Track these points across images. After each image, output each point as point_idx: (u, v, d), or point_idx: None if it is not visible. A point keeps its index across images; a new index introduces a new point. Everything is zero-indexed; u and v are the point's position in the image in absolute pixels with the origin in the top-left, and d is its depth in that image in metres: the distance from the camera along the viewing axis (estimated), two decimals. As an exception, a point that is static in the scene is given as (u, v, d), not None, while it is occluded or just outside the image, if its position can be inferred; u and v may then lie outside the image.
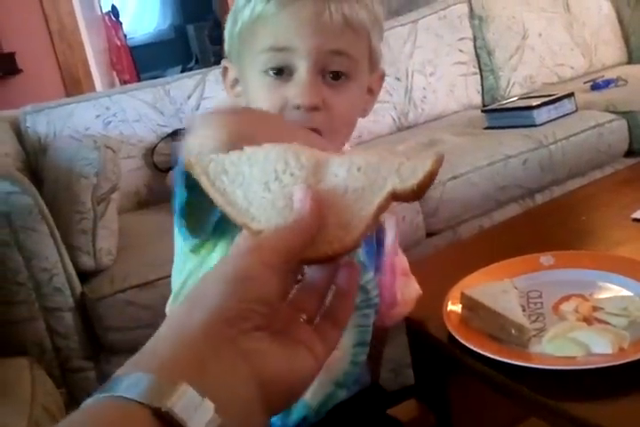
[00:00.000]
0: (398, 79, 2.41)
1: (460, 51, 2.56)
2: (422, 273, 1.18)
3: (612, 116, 2.04)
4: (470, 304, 0.91)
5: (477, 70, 2.60)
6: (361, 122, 2.49)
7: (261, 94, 0.74)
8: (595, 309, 0.88)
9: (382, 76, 0.83)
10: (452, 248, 1.49)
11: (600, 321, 0.85)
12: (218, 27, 5.32)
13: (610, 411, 0.72)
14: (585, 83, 2.44)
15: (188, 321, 0.39)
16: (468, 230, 1.76)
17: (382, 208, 0.47)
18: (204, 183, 0.49)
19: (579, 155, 1.94)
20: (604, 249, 1.12)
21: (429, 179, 0.46)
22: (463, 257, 1.20)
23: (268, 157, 0.48)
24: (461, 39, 2.57)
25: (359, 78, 0.75)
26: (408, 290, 0.90)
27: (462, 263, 1.10)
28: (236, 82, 0.81)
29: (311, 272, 0.48)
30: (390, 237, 0.84)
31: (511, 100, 2.28)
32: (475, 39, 2.61)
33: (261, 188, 0.48)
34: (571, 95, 2.11)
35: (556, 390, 0.77)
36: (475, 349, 0.84)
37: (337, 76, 0.73)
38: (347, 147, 0.86)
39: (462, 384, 1.03)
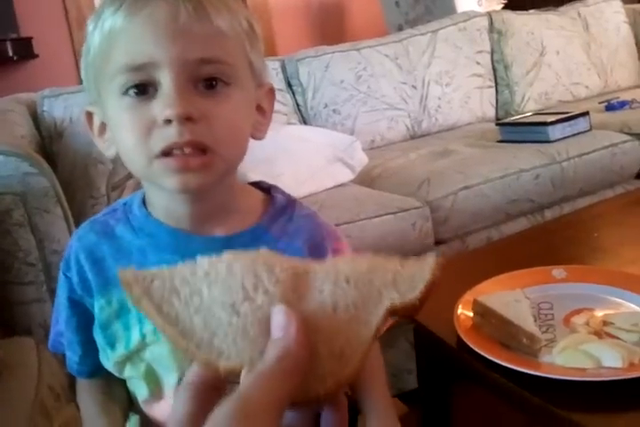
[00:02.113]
0: (414, 87, 2.42)
1: (478, 63, 2.57)
2: (432, 279, 1.19)
3: (627, 138, 2.05)
4: (482, 311, 0.91)
5: (493, 84, 2.61)
6: (374, 128, 2.48)
7: (124, 119, 0.62)
8: (605, 323, 0.89)
9: (271, 91, 0.73)
10: (463, 256, 1.49)
11: (610, 336, 0.86)
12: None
13: (618, 424, 0.73)
14: (600, 103, 2.45)
15: None
16: (476, 241, 1.76)
17: (380, 330, 0.39)
18: (147, 309, 0.38)
19: (591, 173, 1.95)
20: (615, 266, 1.12)
21: (431, 290, 0.39)
22: (475, 266, 1.20)
23: (232, 270, 0.40)
24: (479, 52, 2.58)
25: (241, 85, 0.65)
26: None
27: (474, 272, 1.11)
28: (103, 127, 0.69)
29: (288, 420, 0.37)
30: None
31: (526, 115, 2.29)
32: (492, 53, 2.62)
33: (227, 312, 0.38)
34: (586, 114, 2.11)
35: (563, 400, 0.77)
36: (485, 355, 0.84)
37: (212, 84, 0.62)
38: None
39: (466, 391, 1.04)
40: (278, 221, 0.72)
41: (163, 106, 0.60)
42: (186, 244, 0.68)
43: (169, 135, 0.60)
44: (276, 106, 2.22)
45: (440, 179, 1.79)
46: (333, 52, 2.36)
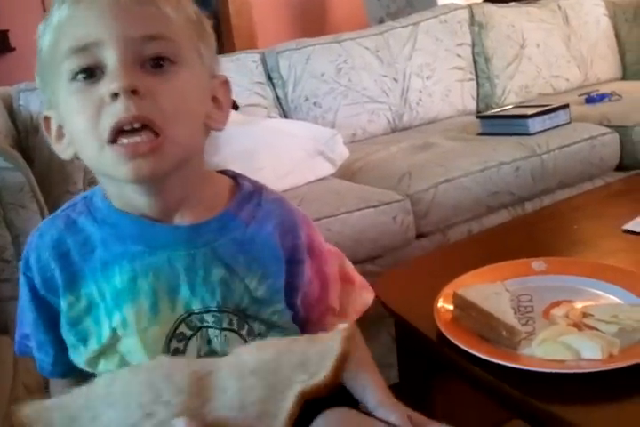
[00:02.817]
0: (395, 80, 2.42)
1: (459, 56, 2.56)
2: (414, 272, 1.19)
3: (606, 130, 2.06)
4: (462, 304, 0.91)
5: (474, 77, 2.61)
6: (355, 121, 2.47)
7: (74, 103, 0.62)
8: (585, 315, 0.89)
9: (226, 83, 0.72)
10: (443, 249, 1.50)
11: (590, 327, 0.86)
12: (214, 18, 5.32)
13: (597, 415, 0.73)
14: (579, 95, 2.46)
15: None
16: (458, 234, 1.76)
17: (293, 416, 0.38)
18: None
19: (570, 165, 1.95)
20: (594, 258, 1.13)
21: (342, 362, 0.39)
22: (453, 259, 1.20)
23: (129, 389, 0.38)
24: (460, 45, 2.58)
25: (188, 65, 0.64)
26: (351, 300, 0.80)
27: (454, 265, 1.11)
28: (60, 131, 0.67)
29: None
30: (315, 242, 0.75)
31: (506, 107, 2.29)
32: (473, 45, 2.62)
33: None
34: (566, 106, 2.12)
35: (544, 393, 0.77)
36: (464, 348, 0.84)
37: (158, 63, 0.62)
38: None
39: (447, 384, 1.04)
40: (246, 206, 0.71)
41: (109, 82, 0.60)
42: (151, 233, 0.67)
43: (116, 111, 0.59)
44: (257, 99, 2.23)
45: (421, 172, 1.79)
46: (314, 45, 2.34)
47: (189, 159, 0.66)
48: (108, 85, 0.59)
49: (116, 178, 0.64)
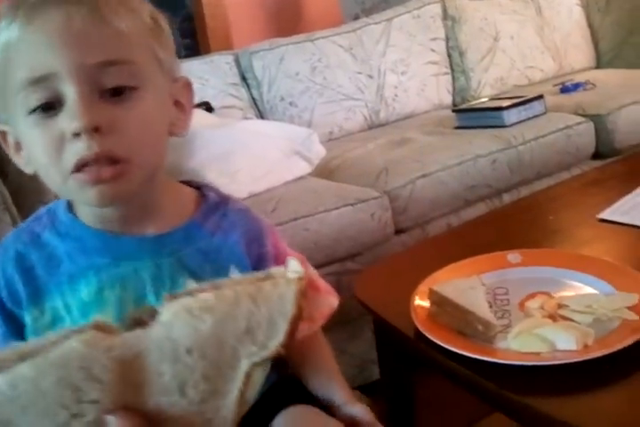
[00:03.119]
0: (370, 77, 2.42)
1: (433, 50, 2.57)
2: (391, 269, 1.19)
3: (581, 119, 2.07)
4: (438, 300, 0.91)
5: (449, 70, 2.61)
6: (332, 119, 2.46)
7: (34, 136, 0.60)
8: (560, 306, 0.89)
9: (188, 85, 0.71)
10: (420, 245, 1.49)
11: (565, 318, 0.86)
12: (189, 19, 5.28)
13: (573, 406, 0.73)
14: (554, 86, 2.47)
15: None
16: (437, 228, 1.76)
17: (245, 393, 0.34)
18: None
19: (547, 156, 1.96)
20: (570, 248, 1.13)
21: (295, 325, 0.34)
22: (431, 254, 1.20)
23: (40, 390, 0.33)
24: (434, 39, 2.58)
25: (151, 85, 0.63)
26: (317, 305, 0.79)
27: (430, 260, 1.11)
28: (18, 145, 0.66)
29: None
30: (281, 250, 0.76)
31: (481, 100, 2.30)
32: (447, 39, 2.62)
33: None
34: (540, 97, 2.13)
35: (520, 386, 0.77)
36: (441, 344, 0.84)
37: (120, 92, 0.60)
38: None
39: (427, 380, 1.04)
40: (212, 216, 0.71)
41: (68, 119, 0.58)
42: (115, 245, 0.67)
43: (78, 150, 0.59)
44: (232, 101, 2.22)
45: (398, 168, 1.79)
46: (287, 45, 2.34)
47: (154, 174, 0.67)
48: (68, 123, 0.58)
49: (81, 202, 0.65)
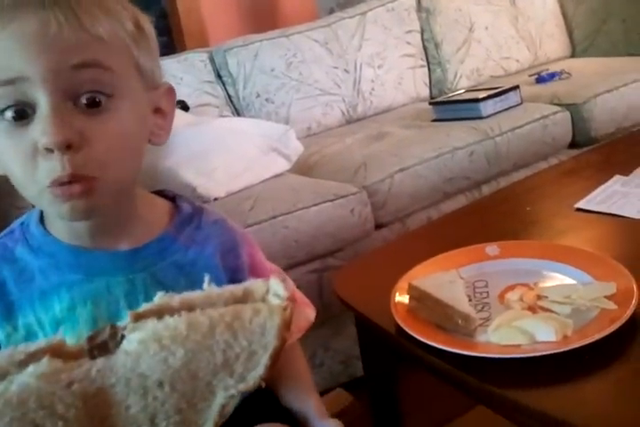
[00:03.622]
0: (347, 71, 2.41)
1: (408, 43, 2.56)
2: (370, 265, 1.18)
3: (557, 109, 2.07)
4: (418, 295, 0.91)
5: (425, 63, 2.61)
6: (310, 114, 2.45)
7: (6, 147, 0.59)
8: (539, 297, 0.89)
9: (170, 91, 0.69)
10: (399, 240, 1.49)
11: (544, 309, 0.86)
12: (164, 17, 5.24)
13: (554, 398, 0.73)
14: (530, 76, 2.48)
15: None
16: (417, 222, 1.76)
17: (219, 424, 0.32)
18: None
19: (524, 146, 1.97)
20: (548, 238, 1.13)
21: (277, 358, 0.32)
22: (410, 249, 1.20)
23: None
24: (409, 32, 2.58)
25: (128, 94, 0.61)
26: (295, 318, 0.81)
27: (410, 255, 1.10)
28: None
29: None
30: (256, 261, 0.75)
31: (458, 92, 2.30)
32: (422, 32, 2.62)
33: None
34: (516, 88, 2.13)
35: (501, 379, 0.77)
36: (422, 339, 0.84)
37: (94, 100, 0.58)
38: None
39: (410, 375, 1.03)
40: (186, 229, 0.70)
41: (40, 132, 0.56)
42: (88, 261, 0.66)
43: (51, 168, 0.57)
44: (207, 98, 2.20)
45: (376, 163, 1.79)
46: (262, 41, 2.32)
47: (128, 187, 0.66)
48: (40, 136, 0.56)
49: (54, 216, 0.64)
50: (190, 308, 0.40)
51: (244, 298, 0.42)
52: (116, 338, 0.40)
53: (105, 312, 0.65)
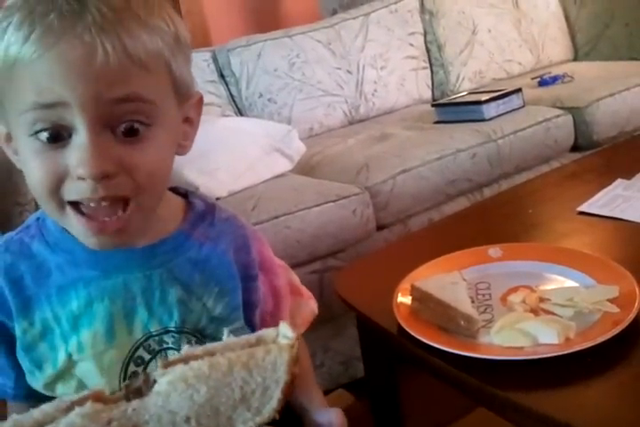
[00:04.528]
0: (349, 72, 2.41)
1: (411, 45, 2.56)
2: (372, 266, 1.18)
3: (559, 112, 2.07)
4: (420, 296, 0.91)
5: (428, 65, 2.61)
6: (312, 115, 2.45)
7: (33, 163, 0.58)
8: (541, 300, 0.89)
9: (199, 101, 0.69)
10: (401, 241, 1.49)
11: (547, 312, 0.86)
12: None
13: (556, 400, 0.73)
14: (532, 79, 2.48)
15: None
16: (418, 223, 1.76)
17: None
18: None
19: (526, 149, 1.97)
20: (550, 241, 1.13)
21: (289, 391, 0.36)
22: (412, 250, 1.20)
23: None
24: (412, 33, 2.58)
25: (165, 121, 0.60)
26: (300, 311, 0.81)
27: (412, 256, 1.11)
28: (9, 137, 0.63)
29: None
30: (266, 257, 0.76)
31: (460, 94, 2.30)
32: (425, 34, 2.62)
33: None
34: (519, 91, 2.13)
35: (503, 381, 0.77)
36: (424, 340, 0.84)
37: (133, 130, 0.58)
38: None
39: (411, 376, 1.03)
40: (200, 226, 0.71)
41: (77, 161, 0.56)
42: (105, 258, 0.66)
43: (82, 190, 0.57)
44: (210, 98, 2.20)
45: (378, 164, 1.79)
46: (265, 41, 2.32)
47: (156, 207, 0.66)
48: (75, 165, 0.56)
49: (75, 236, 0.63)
50: (211, 354, 0.43)
51: (257, 343, 0.45)
52: (148, 383, 0.44)
53: (121, 309, 0.66)
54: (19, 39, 0.55)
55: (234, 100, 2.28)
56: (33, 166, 0.59)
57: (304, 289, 0.83)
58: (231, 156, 1.71)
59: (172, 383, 0.40)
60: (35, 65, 0.55)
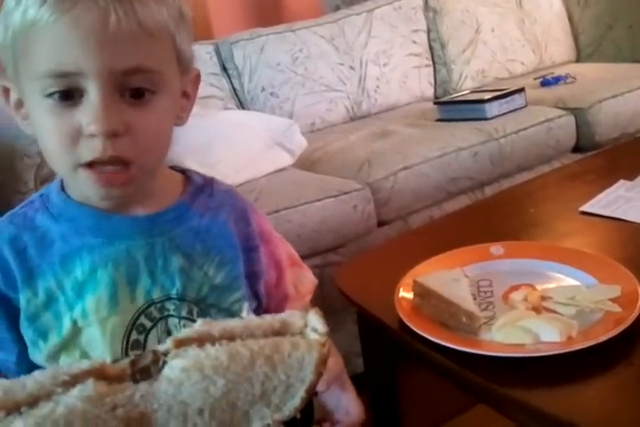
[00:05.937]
0: (352, 68, 2.41)
1: (414, 42, 2.56)
2: (374, 261, 1.18)
3: (561, 112, 2.07)
4: (422, 292, 0.91)
5: (430, 62, 2.61)
6: (314, 110, 2.45)
7: (47, 122, 0.62)
8: (543, 298, 0.89)
9: (197, 77, 0.72)
10: (402, 237, 1.49)
11: (548, 310, 0.87)
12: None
13: (557, 398, 0.73)
14: (535, 79, 2.48)
15: None
16: (419, 221, 1.76)
17: None
18: None
19: (528, 149, 1.97)
20: (551, 240, 1.13)
21: (312, 390, 0.33)
22: (414, 246, 1.20)
23: None
24: (415, 31, 2.58)
25: (168, 89, 0.64)
26: (301, 281, 0.84)
27: (413, 252, 1.11)
28: (20, 103, 0.66)
29: None
30: (265, 228, 0.78)
31: (463, 93, 2.30)
32: (429, 31, 2.62)
33: None
34: (521, 90, 2.14)
35: (504, 378, 0.77)
36: (425, 335, 0.84)
37: (139, 93, 0.62)
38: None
39: (411, 372, 1.04)
40: (199, 197, 0.73)
41: (88, 119, 0.60)
42: (109, 225, 0.68)
43: (93, 149, 0.60)
44: (212, 91, 2.20)
45: (380, 160, 1.79)
46: (268, 35, 2.32)
47: (156, 169, 0.69)
48: (87, 123, 0.60)
49: (83, 193, 0.67)
50: (230, 337, 0.41)
51: (282, 330, 0.43)
52: (158, 364, 0.42)
53: (124, 275, 0.67)
54: (36, 2, 0.58)
55: (236, 94, 2.28)
56: (47, 126, 0.62)
57: (298, 259, 0.86)
58: (233, 149, 1.71)
59: (186, 371, 0.37)
60: (51, 30, 0.58)
